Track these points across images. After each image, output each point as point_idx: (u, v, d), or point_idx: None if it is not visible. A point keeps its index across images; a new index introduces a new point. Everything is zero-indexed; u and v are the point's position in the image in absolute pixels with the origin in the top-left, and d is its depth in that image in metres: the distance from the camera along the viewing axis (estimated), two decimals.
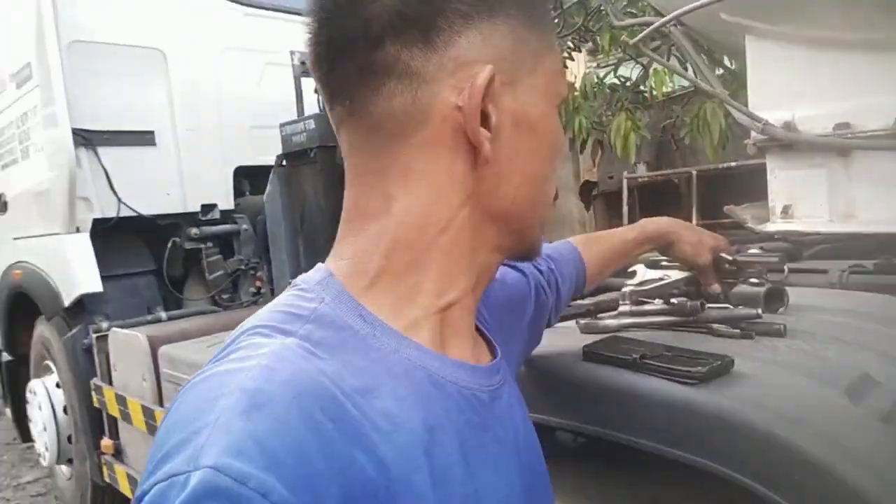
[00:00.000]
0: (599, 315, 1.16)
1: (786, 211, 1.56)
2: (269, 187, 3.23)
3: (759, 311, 1.04)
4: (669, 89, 5.72)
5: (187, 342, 2.56)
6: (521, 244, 0.64)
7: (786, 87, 1.52)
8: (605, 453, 1.06)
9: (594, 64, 6.14)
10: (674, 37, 1.69)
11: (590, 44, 5.29)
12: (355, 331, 0.53)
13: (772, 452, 0.76)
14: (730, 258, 1.14)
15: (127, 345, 2.76)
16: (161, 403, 2.55)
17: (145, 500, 0.40)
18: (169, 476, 0.39)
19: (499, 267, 0.66)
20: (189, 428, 0.41)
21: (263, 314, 0.54)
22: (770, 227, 1.58)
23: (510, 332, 0.82)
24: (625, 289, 1.21)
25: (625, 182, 6.06)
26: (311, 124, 2.86)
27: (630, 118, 5.01)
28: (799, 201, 1.55)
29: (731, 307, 1.08)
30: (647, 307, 1.14)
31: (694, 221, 5.43)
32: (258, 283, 3.52)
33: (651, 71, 5.21)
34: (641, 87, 5.54)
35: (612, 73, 5.51)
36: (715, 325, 1.05)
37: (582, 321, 1.14)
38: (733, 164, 5.26)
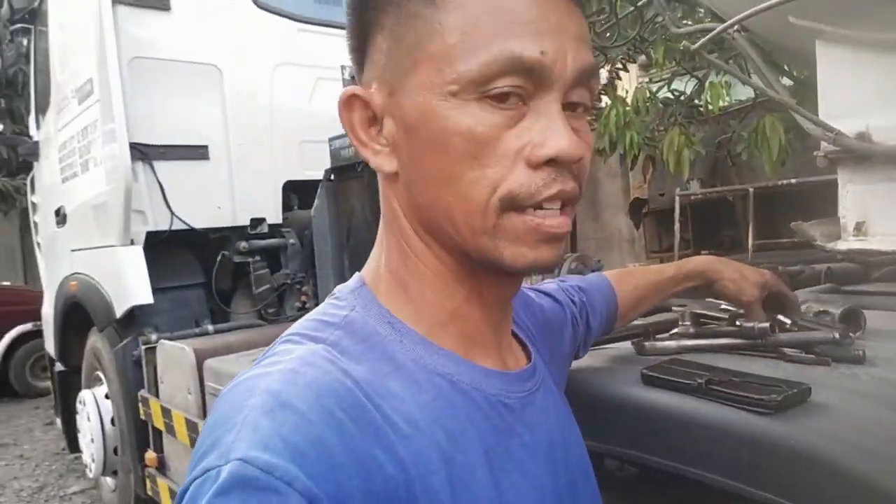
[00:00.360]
0: (657, 336, 1.09)
1: (859, 228, 1.46)
2: (316, 201, 3.23)
3: (836, 334, 0.96)
4: (725, 103, 5.57)
5: (232, 356, 2.55)
6: (468, 256, 0.57)
7: (860, 94, 1.42)
8: (656, 482, 0.99)
9: (646, 79, 6.02)
10: (737, 43, 1.61)
11: (642, 57, 5.18)
12: (382, 336, 0.56)
13: (856, 493, 0.68)
14: (788, 321, 1.02)
15: (174, 357, 2.77)
16: (205, 417, 2.55)
17: (186, 496, 0.43)
18: (204, 471, 0.43)
19: (494, 278, 0.59)
20: (222, 428, 0.45)
21: (300, 323, 0.58)
22: (841, 245, 1.47)
23: (552, 354, 0.80)
24: (683, 309, 1.14)
25: (677, 199, 5.90)
26: None
27: (684, 133, 4.88)
28: (874, 218, 1.44)
29: (804, 330, 1.00)
30: (709, 328, 1.06)
31: (750, 240, 5.25)
32: (303, 298, 3.52)
33: (707, 84, 5.08)
34: (696, 102, 5.40)
35: (666, 86, 5.39)
36: (786, 350, 0.97)
37: (637, 342, 1.06)
38: (793, 181, 5.07)
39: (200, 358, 2.61)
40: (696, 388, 0.83)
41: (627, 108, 4.94)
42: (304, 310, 3.50)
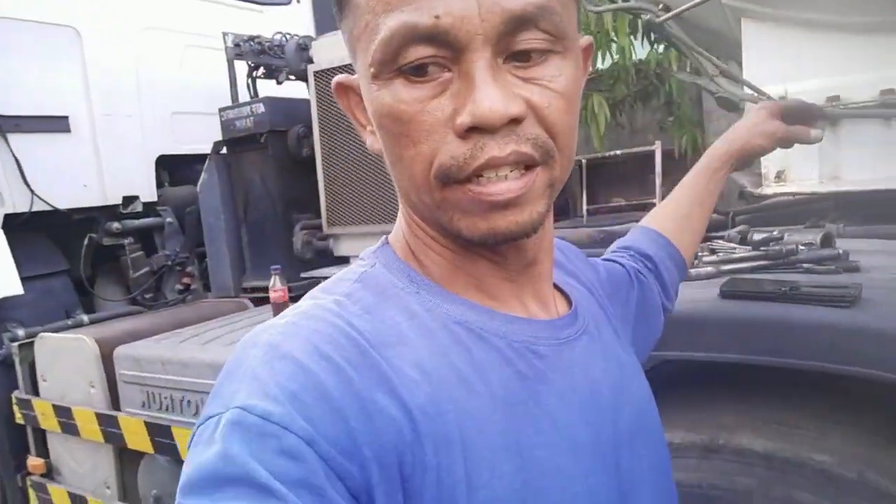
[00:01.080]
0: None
1: (779, 175, 1.77)
2: (204, 176, 3.07)
3: (840, 251, 1.20)
4: None
5: (152, 340, 2.38)
6: (440, 230, 0.56)
7: (779, 64, 1.72)
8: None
9: None
10: (669, 24, 1.84)
11: None
12: (400, 289, 0.56)
13: None
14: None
15: (66, 350, 2.51)
16: (118, 407, 2.36)
17: (192, 442, 0.46)
18: (206, 418, 0.45)
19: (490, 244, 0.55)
20: (226, 380, 0.47)
21: (325, 281, 0.59)
22: (766, 190, 1.78)
23: (622, 314, 0.80)
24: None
25: None
26: (261, 108, 2.76)
27: None
28: (792, 166, 1.76)
29: (813, 248, 1.24)
30: (736, 254, 1.27)
31: (584, 207, 5.81)
32: (186, 280, 3.33)
33: None
34: None
35: None
36: (805, 264, 1.20)
37: None
38: (618, 152, 5.69)
39: (106, 348, 2.40)
40: (782, 295, 1.02)
41: None
42: (188, 291, 3.31)
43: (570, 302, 0.67)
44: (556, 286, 0.67)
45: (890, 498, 1.03)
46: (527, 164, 0.50)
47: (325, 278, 2.16)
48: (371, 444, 0.44)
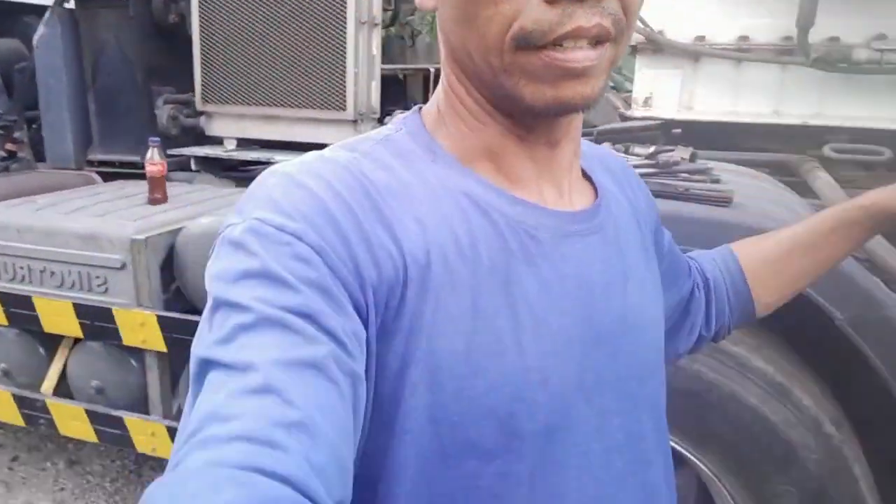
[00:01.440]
0: None
1: (646, 101, 2.04)
2: (42, 29, 2.75)
3: (709, 165, 1.47)
4: None
5: (4, 205, 2.17)
6: (494, 95, 0.57)
7: (660, 2, 1.96)
8: None
9: None
10: None
11: None
12: (418, 156, 0.58)
13: None
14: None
15: None
16: None
17: (213, 247, 0.51)
18: (226, 226, 0.51)
19: (531, 116, 0.56)
20: (244, 200, 0.52)
21: (349, 139, 0.60)
22: (636, 113, 2.05)
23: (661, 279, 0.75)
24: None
25: None
26: None
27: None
28: (656, 94, 2.04)
29: (686, 162, 1.50)
30: (632, 161, 1.50)
31: None
32: (11, 146, 2.99)
33: None
34: None
35: None
36: (684, 174, 1.46)
37: None
38: None
39: None
40: (680, 194, 1.25)
41: None
42: (13, 159, 2.98)
43: (596, 200, 0.65)
44: (591, 182, 0.67)
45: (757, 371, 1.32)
46: (599, 39, 0.50)
47: (196, 157, 2.15)
48: (368, 271, 0.49)
